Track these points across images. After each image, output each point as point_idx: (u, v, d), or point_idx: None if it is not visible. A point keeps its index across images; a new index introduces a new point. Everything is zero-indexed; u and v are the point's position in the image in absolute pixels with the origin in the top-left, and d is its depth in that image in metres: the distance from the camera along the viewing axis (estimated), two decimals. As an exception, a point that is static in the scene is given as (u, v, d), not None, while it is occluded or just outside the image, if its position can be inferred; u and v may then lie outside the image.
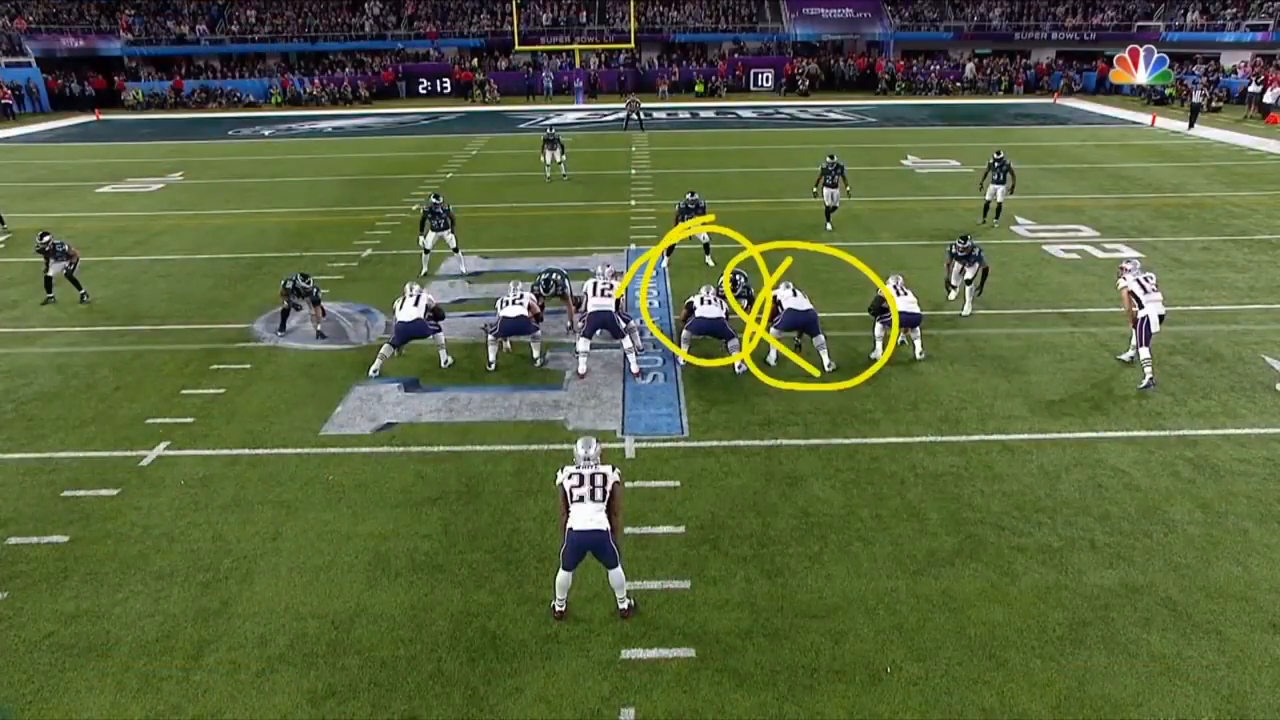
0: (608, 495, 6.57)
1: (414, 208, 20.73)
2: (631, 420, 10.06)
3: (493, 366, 11.53)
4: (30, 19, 44.74)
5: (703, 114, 39.65)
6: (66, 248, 14.26)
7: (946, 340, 12.19)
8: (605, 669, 6.30)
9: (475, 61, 49.07)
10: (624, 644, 6.53)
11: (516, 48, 47.72)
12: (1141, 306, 10.67)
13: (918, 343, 11.64)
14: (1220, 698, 6.04)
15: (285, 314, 12.78)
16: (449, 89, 47.73)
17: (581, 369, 11.27)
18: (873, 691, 6.09)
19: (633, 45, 47.88)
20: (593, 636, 6.62)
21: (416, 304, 11.23)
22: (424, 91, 47.92)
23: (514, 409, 10.40)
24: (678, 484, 8.69)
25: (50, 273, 14.34)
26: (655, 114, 38.69)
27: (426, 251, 15.56)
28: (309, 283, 12.46)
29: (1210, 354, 11.62)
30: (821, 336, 11.21)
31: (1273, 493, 8.49)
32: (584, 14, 49.51)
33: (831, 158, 17.75)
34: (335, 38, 48.74)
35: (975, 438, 9.56)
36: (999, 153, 18.06)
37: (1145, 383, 10.67)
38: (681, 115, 39.28)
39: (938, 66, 46.60)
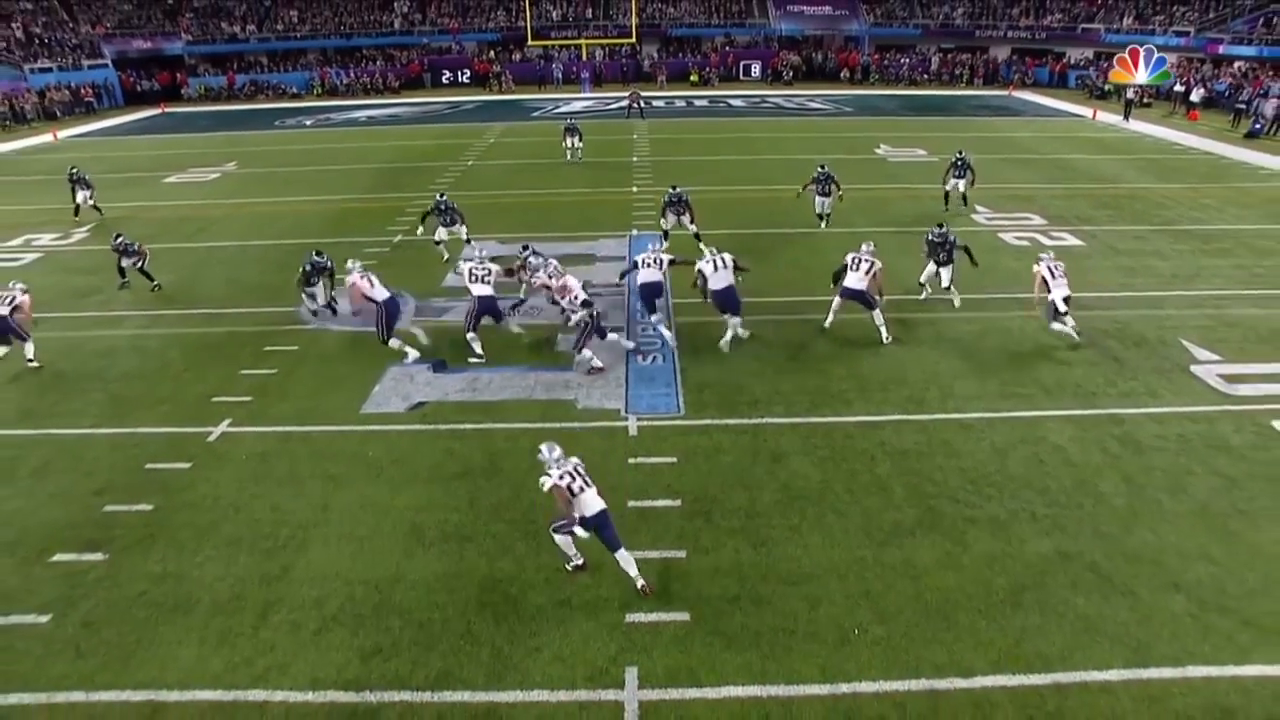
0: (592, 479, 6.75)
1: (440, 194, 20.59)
2: (634, 399, 10.10)
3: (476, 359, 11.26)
4: (108, 25, 44.54)
5: (697, 103, 39.06)
6: (136, 247, 14.21)
7: (916, 324, 12.17)
8: (612, 631, 6.45)
9: (492, 54, 48.24)
10: (628, 609, 6.67)
11: (529, 42, 46.89)
12: (1050, 290, 11.14)
13: (883, 329, 11.46)
14: (1129, 650, 6.23)
15: (311, 297, 12.68)
16: (469, 79, 46.98)
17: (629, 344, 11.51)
18: (842, 651, 6.25)
19: (634, 40, 47.06)
20: (601, 602, 6.76)
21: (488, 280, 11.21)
22: (447, 82, 47.13)
23: (529, 389, 10.44)
24: (675, 460, 8.75)
25: (123, 264, 14.30)
26: (655, 102, 38.10)
27: (439, 243, 15.51)
28: (324, 258, 12.26)
29: (1138, 338, 11.63)
30: (739, 318, 11.12)
31: (1183, 466, 8.59)
32: (590, 11, 48.65)
33: (822, 168, 16.82)
34: (368, 33, 48.01)
35: (937, 416, 9.61)
36: (961, 152, 17.92)
37: (1077, 338, 11.33)
38: (678, 104, 38.69)
39: (908, 60, 45.81)
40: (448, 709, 5.82)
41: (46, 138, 32.43)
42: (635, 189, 21.05)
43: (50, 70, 39.54)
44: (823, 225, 17.14)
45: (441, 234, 15.32)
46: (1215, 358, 10.97)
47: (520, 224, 17.88)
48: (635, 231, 17.22)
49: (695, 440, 9.15)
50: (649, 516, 7.83)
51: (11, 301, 11.21)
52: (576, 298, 10.63)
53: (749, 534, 7.57)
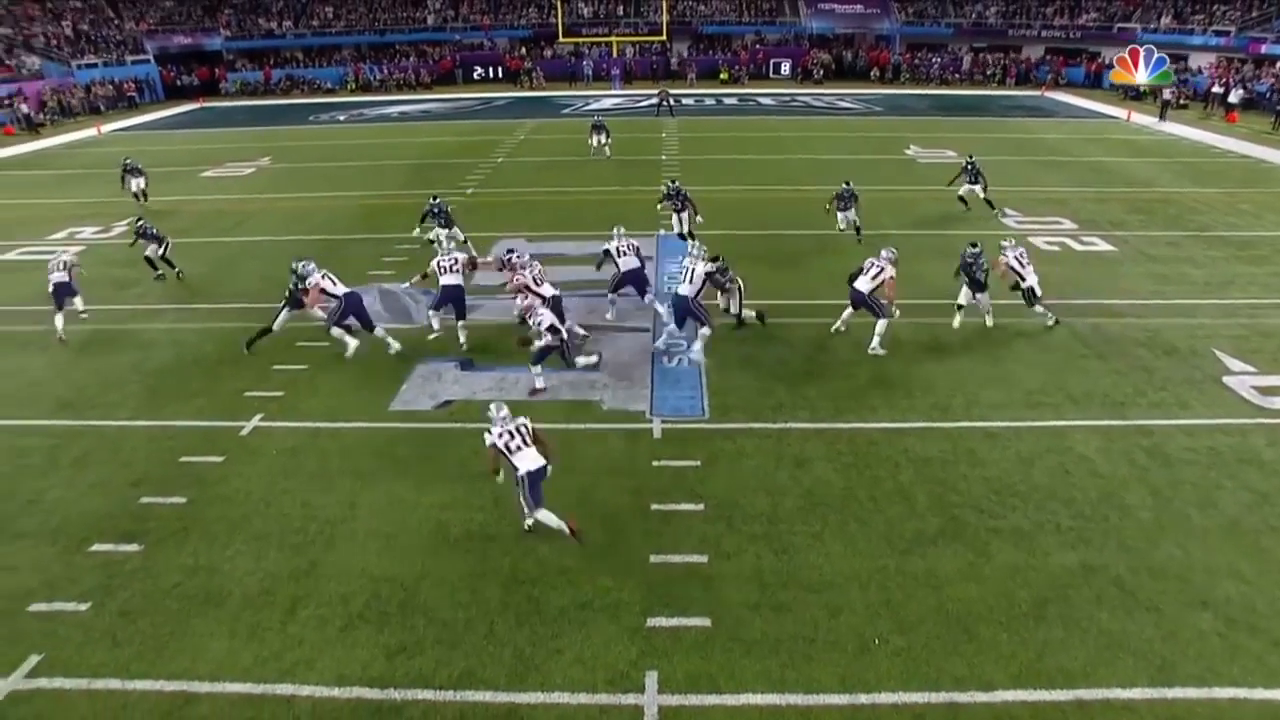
0: (534, 437, 7.32)
1: (469, 191, 20.73)
2: (659, 401, 10.08)
3: (434, 336, 11.87)
4: (150, 22, 45.61)
5: (726, 101, 38.83)
6: (156, 232, 14.61)
7: (942, 329, 11.98)
8: (633, 635, 6.45)
9: (524, 50, 48.35)
10: (649, 613, 6.66)
11: (561, 39, 46.88)
12: (1024, 280, 11.69)
13: (876, 338, 11.13)
14: (1154, 668, 6.12)
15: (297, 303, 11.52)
16: (500, 75, 47.14)
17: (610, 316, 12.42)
18: (862, 660, 6.21)
19: (665, 37, 46.89)
20: (622, 605, 6.75)
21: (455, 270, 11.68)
22: (478, 78, 47.28)
23: (555, 389, 10.44)
24: (699, 463, 8.72)
25: (147, 253, 14.63)
26: (684, 100, 37.91)
27: (432, 242, 15.50)
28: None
29: (1169, 347, 11.40)
30: (709, 329, 11.08)
31: (1212, 480, 8.41)
32: (621, 8, 48.61)
33: (847, 184, 16.20)
34: (400, 29, 48.33)
35: (962, 424, 9.48)
36: (971, 157, 17.99)
37: (1050, 321, 12.00)
38: (708, 102, 38.49)
39: (939, 59, 45.27)
40: (470, 708, 5.86)
41: (91, 132, 33.05)
42: (664, 188, 20.90)
43: (96, 66, 40.36)
44: (851, 234, 16.26)
45: (440, 235, 15.37)
46: (1249, 369, 10.74)
47: (549, 222, 17.89)
48: (663, 231, 17.15)
49: (719, 444, 9.11)
50: (672, 520, 7.83)
51: (65, 266, 12.54)
52: (541, 322, 10.14)
53: (771, 540, 7.53)
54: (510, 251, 12.01)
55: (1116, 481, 8.40)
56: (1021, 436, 9.23)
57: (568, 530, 7.33)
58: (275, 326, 11.60)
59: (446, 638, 6.47)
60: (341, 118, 35.87)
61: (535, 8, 49.11)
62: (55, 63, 39.06)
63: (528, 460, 7.21)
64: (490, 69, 47.33)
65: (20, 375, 11.20)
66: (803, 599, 6.80)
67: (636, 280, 12.20)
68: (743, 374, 10.74)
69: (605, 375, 10.75)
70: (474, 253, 15.33)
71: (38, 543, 7.74)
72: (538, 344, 10.18)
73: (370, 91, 44.66)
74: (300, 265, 11.30)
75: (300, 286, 11.26)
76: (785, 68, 46.55)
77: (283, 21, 47.87)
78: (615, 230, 12.51)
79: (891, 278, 10.99)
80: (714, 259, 11.37)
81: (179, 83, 43.91)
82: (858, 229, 16.14)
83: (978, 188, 17.65)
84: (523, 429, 7.32)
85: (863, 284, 11.06)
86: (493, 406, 7.45)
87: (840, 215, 16.21)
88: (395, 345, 11.46)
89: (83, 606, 6.91)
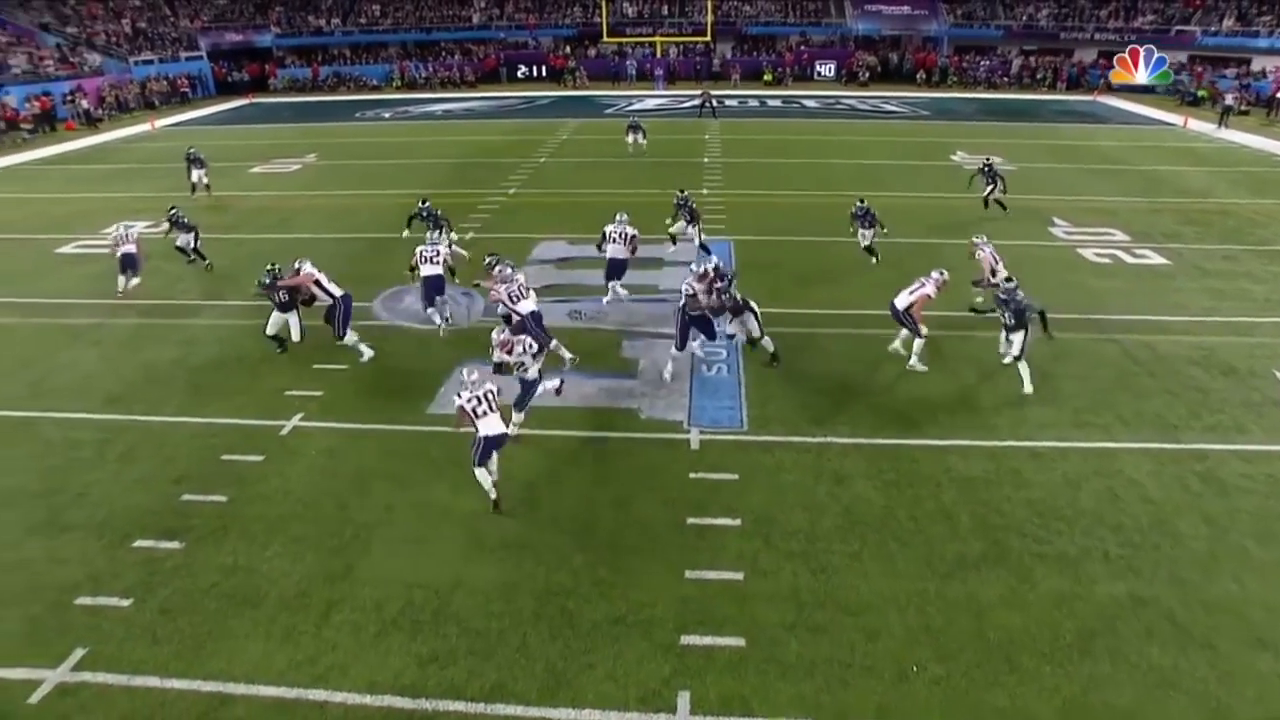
0: (497, 405, 7.92)
1: (510, 191, 20.77)
2: (698, 412, 9.96)
3: (442, 333, 12.18)
4: (204, 19, 46.90)
5: (770, 103, 38.50)
6: (186, 220, 15.12)
7: (987, 345, 11.62)
8: (666, 652, 6.36)
9: (568, 49, 48.52)
10: (683, 630, 6.57)
11: (605, 38, 46.95)
12: (995, 275, 11.73)
13: (914, 356, 10.85)
14: (1209, 710, 5.88)
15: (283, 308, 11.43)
16: (544, 74, 47.36)
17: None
18: (899, 688, 6.06)
19: (709, 38, 46.67)
20: (656, 622, 6.67)
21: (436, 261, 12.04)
22: (522, 76, 47.57)
23: (592, 396, 10.38)
24: (736, 477, 8.59)
25: (179, 243, 15.07)
26: (727, 102, 37.65)
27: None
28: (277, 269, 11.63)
29: (1226, 367, 10.99)
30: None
31: (1273, 511, 8.06)
32: (666, 8, 48.49)
33: (861, 202, 15.33)
34: (446, 28, 48.87)
35: (1007, 443, 9.22)
36: (988, 159, 18.39)
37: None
38: (751, 104, 38.20)
39: (986, 62, 44.40)
40: (500, 721, 5.83)
41: (145, 126, 33.80)
42: (705, 191, 20.80)
43: (152, 62, 41.38)
44: (875, 260, 15.16)
45: (435, 237, 15.23)
46: (1312, 392, 10.32)
47: (590, 224, 17.67)
48: (704, 235, 16.98)
49: (757, 457, 8.97)
50: (708, 535, 7.72)
51: (133, 238, 13.61)
52: (531, 346, 9.22)
53: (808, 558, 7.39)
54: (496, 259, 11.42)
55: (1168, 508, 8.11)
56: (1068, 457, 8.96)
57: (493, 500, 8.01)
58: (269, 330, 11.56)
59: (479, 648, 6.45)
60: (386, 115, 36.23)
61: (580, 7, 49.24)
62: (114, 59, 40.06)
63: (490, 425, 7.79)
64: (534, 68, 47.61)
65: (73, 368, 11.45)
66: (840, 621, 6.66)
67: (615, 269, 12.64)
68: (782, 385, 10.58)
69: (643, 384, 10.67)
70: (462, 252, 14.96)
71: (85, 536, 7.90)
72: (523, 379, 9.22)
73: (415, 89, 45.15)
74: (295, 263, 11.51)
75: (267, 283, 11.19)
76: (830, 70, 46.05)
77: (331, 19, 48.72)
78: (617, 216, 12.92)
79: (926, 295, 10.65)
80: (721, 276, 10.65)
81: (230, 79, 44.93)
82: (874, 251, 15.15)
83: (993, 189, 17.79)
84: (489, 395, 7.86)
85: (901, 300, 10.82)
86: (463, 371, 8.06)
87: (863, 233, 15.12)
88: (368, 351, 11.45)
89: (125, 602, 7.02)
